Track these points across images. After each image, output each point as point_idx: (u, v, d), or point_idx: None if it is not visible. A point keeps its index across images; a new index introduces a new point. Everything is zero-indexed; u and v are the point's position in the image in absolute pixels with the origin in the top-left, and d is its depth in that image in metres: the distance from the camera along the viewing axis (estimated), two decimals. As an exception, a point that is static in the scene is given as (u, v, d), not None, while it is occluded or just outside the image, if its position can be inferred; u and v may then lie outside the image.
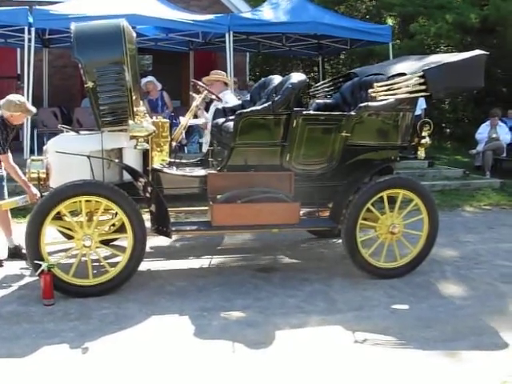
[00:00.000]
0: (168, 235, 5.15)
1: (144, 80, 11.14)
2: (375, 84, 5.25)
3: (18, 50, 12.54)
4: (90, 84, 4.76)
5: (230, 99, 6.74)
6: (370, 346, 4.06)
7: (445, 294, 5.14)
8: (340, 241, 5.53)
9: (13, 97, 5.62)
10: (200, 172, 5.59)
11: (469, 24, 14.99)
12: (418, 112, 8.44)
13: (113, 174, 5.13)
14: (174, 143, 6.08)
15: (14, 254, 5.87)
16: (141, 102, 5.35)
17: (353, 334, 4.23)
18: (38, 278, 4.79)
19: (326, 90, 6.71)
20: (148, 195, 5.08)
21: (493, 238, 7.18)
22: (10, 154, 5.69)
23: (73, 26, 4.90)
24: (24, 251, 5.75)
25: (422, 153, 5.59)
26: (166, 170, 5.41)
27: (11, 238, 5.90)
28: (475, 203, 9.40)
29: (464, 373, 3.71)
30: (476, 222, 8.14)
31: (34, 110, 5.84)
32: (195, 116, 6.85)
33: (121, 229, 5.46)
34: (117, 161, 5.10)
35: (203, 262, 5.92)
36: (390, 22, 18.62)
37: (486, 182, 10.77)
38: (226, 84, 7.11)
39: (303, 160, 5.35)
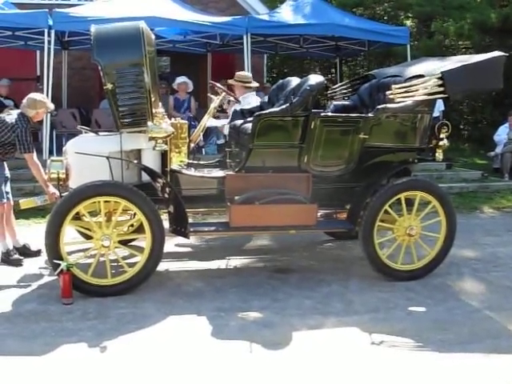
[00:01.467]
0: (186, 236, 5.18)
1: (179, 80, 11.23)
2: (393, 86, 5.23)
3: (38, 52, 12.69)
4: (109, 85, 4.80)
5: (253, 101, 6.69)
6: (387, 348, 4.05)
7: (462, 296, 5.12)
8: (357, 242, 5.52)
9: (35, 95, 5.76)
10: (218, 173, 5.61)
11: (489, 24, 14.84)
12: (436, 114, 8.43)
13: (131, 174, 5.17)
14: (192, 144, 6.12)
15: (23, 253, 5.87)
16: (159, 104, 5.39)
17: (369, 336, 4.23)
18: (57, 277, 4.85)
19: (344, 91, 6.70)
20: (166, 196, 5.11)
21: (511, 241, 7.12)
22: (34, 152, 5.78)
23: (92, 28, 4.96)
24: (32, 249, 5.90)
25: (439, 155, 5.57)
26: (184, 171, 5.44)
27: (16, 239, 5.93)
28: (494, 206, 9.32)
29: (480, 376, 3.69)
30: (494, 225, 8.08)
31: (52, 106, 5.97)
32: (215, 117, 6.84)
33: (139, 229, 5.49)
34: (135, 162, 5.15)
35: (220, 263, 5.94)
36: (407, 23, 18.53)
37: (505, 185, 10.67)
38: (249, 86, 7.02)
39: (321, 161, 5.35)
